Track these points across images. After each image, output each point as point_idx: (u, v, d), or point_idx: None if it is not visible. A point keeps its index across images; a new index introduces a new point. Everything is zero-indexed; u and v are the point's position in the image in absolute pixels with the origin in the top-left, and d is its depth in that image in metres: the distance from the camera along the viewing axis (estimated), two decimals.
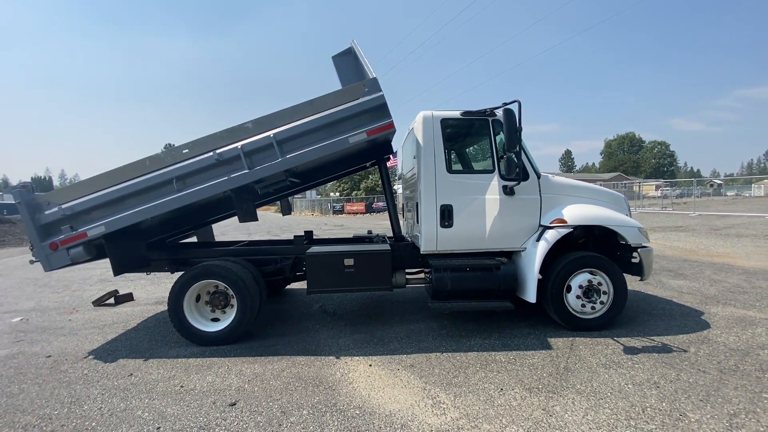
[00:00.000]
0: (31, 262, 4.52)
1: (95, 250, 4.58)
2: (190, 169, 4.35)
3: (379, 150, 5.43)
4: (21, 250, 17.17)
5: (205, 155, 4.33)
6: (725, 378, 3.47)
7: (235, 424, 3.00)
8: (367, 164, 6.31)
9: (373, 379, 3.66)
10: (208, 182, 4.36)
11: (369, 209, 42.77)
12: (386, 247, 4.96)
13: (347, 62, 5.89)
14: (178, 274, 4.82)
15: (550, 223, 4.70)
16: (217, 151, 4.31)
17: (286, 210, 7.46)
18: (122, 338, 5.04)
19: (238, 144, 4.33)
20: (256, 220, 4.95)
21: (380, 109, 4.35)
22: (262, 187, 4.61)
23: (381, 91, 4.33)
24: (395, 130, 4.66)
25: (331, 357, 4.20)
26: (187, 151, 4.38)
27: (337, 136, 4.35)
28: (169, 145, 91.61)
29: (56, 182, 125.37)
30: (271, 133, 4.32)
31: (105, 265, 5.41)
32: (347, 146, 4.37)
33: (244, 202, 4.80)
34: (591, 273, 4.64)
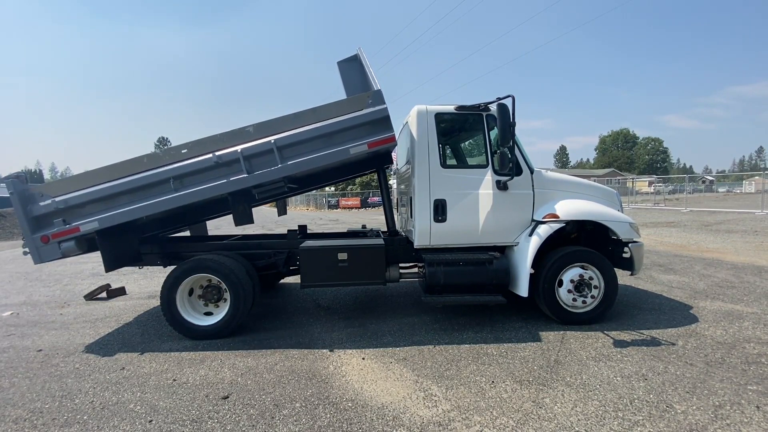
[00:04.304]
0: (25, 253, 4.47)
1: (87, 244, 4.54)
2: (188, 169, 4.30)
3: (379, 160, 5.43)
4: (11, 244, 16.98)
5: (204, 156, 4.29)
6: (712, 370, 3.53)
7: (227, 417, 3.01)
8: (366, 172, 6.30)
9: (365, 372, 3.69)
10: (205, 184, 4.32)
11: (364, 204, 42.73)
12: (380, 241, 4.97)
13: (352, 69, 5.86)
14: (170, 268, 4.80)
15: (543, 218, 4.74)
16: (217, 153, 4.27)
17: (282, 210, 7.43)
18: (114, 332, 5.02)
19: (238, 147, 4.29)
20: (252, 222, 4.95)
21: (383, 122, 4.32)
22: (260, 192, 4.58)
23: (385, 103, 4.30)
24: (396, 144, 4.66)
25: (324, 350, 4.21)
26: (186, 151, 4.34)
27: (338, 146, 4.33)
28: (163, 138, 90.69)
29: (47, 175, 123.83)
30: (272, 138, 4.28)
31: (97, 259, 5.37)
32: (347, 156, 4.35)
33: (240, 205, 4.78)
34: (582, 267, 4.69)
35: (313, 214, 34.84)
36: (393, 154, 5.74)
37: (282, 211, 7.42)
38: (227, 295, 4.61)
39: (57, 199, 4.29)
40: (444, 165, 4.87)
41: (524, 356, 3.92)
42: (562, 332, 4.50)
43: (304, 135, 4.31)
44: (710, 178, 69.22)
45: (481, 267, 4.67)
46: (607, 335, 4.38)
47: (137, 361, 4.08)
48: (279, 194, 4.98)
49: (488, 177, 4.81)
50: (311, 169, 4.51)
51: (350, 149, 4.31)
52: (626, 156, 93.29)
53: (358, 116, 4.30)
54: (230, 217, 5.23)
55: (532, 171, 4.88)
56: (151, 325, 5.22)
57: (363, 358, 3.99)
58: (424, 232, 4.82)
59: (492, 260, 4.69)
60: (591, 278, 4.68)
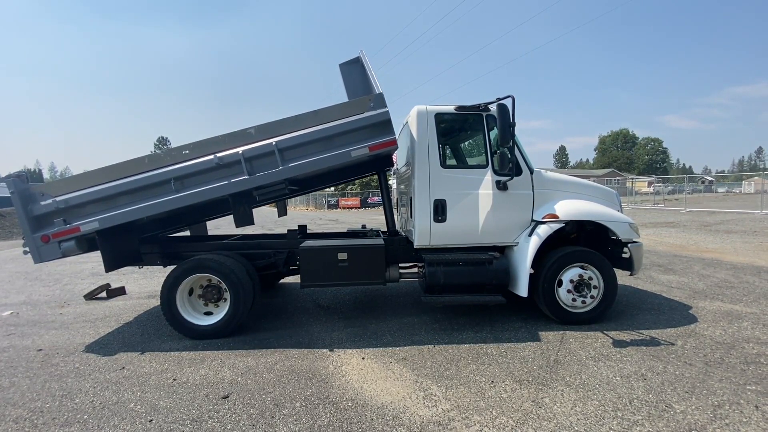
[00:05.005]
0: (25, 252, 4.48)
1: (87, 244, 4.54)
2: (190, 170, 4.31)
3: (380, 162, 5.43)
4: (10, 244, 16.97)
5: (206, 158, 4.30)
6: (711, 370, 3.54)
7: (227, 416, 3.01)
8: (367, 174, 6.31)
9: (365, 372, 3.69)
10: (206, 185, 4.33)
11: (364, 204, 42.76)
12: (380, 241, 4.98)
13: (354, 71, 5.87)
14: (170, 268, 4.80)
15: (543, 219, 4.75)
16: (218, 155, 4.27)
17: (282, 211, 7.44)
18: (114, 332, 5.02)
19: (240, 149, 4.29)
20: (252, 224, 4.96)
21: (384, 125, 4.33)
22: (261, 193, 4.59)
23: (386, 107, 4.31)
24: (398, 147, 4.66)
25: (324, 350, 4.22)
26: (187, 152, 4.34)
27: (339, 149, 4.34)
28: (162, 138, 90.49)
29: (46, 175, 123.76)
30: (273, 140, 4.29)
31: (96, 258, 5.37)
32: (348, 159, 4.36)
33: (241, 206, 4.79)
34: (582, 268, 4.69)
35: (313, 214, 34.85)
36: (393, 156, 5.75)
37: (282, 212, 7.42)
38: (227, 295, 4.62)
39: (58, 198, 4.29)
40: (444, 165, 4.88)
41: (524, 356, 3.93)
42: (561, 332, 4.51)
43: (305, 137, 4.31)
44: (710, 178, 69.37)
45: (480, 267, 4.67)
46: (607, 335, 4.39)
47: (137, 360, 4.08)
48: (280, 196, 5.00)
49: (488, 177, 4.82)
50: (312, 171, 4.51)
51: (351, 152, 4.32)
52: (626, 156, 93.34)
53: (359, 119, 4.31)
54: (230, 216, 5.24)
55: (531, 171, 4.89)
56: (151, 325, 5.22)
57: (363, 358, 4.00)
58: (424, 232, 4.82)
59: (492, 260, 4.70)
60: (590, 278, 4.69)
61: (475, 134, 5.33)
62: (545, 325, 4.73)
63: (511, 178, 4.71)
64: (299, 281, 4.83)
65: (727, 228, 13.56)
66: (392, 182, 8.20)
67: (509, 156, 4.55)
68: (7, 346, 4.64)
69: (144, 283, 7.85)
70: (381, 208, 5.89)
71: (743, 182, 59.29)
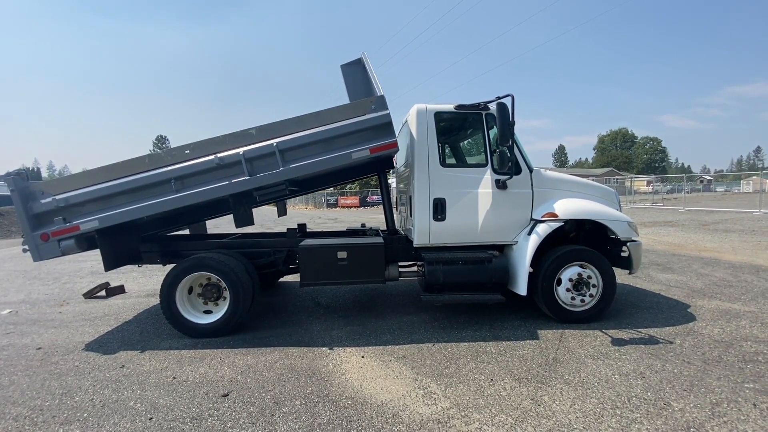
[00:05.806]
0: (24, 250, 4.47)
1: (86, 242, 4.54)
2: (190, 170, 4.30)
3: (381, 164, 5.42)
4: (9, 242, 16.95)
5: (206, 158, 4.29)
6: (709, 368, 3.55)
7: (227, 414, 3.02)
8: (367, 175, 6.31)
9: (365, 370, 3.70)
10: (207, 185, 4.32)
11: (363, 203, 42.75)
12: (379, 240, 4.98)
13: (355, 72, 5.87)
14: (170, 267, 4.80)
15: (542, 217, 4.75)
16: (219, 155, 4.27)
17: (282, 211, 7.45)
18: (114, 330, 5.02)
19: (240, 150, 4.29)
20: (252, 224, 4.96)
21: (385, 128, 4.33)
22: (261, 194, 4.59)
23: (387, 109, 4.31)
24: (398, 149, 4.68)
25: (323, 348, 4.23)
26: (188, 152, 4.34)
27: (340, 150, 4.33)
28: (161, 137, 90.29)
29: (44, 173, 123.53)
30: (274, 141, 4.29)
31: (96, 257, 5.38)
32: (349, 161, 4.36)
33: (241, 206, 4.79)
34: (581, 266, 4.70)
35: (312, 213, 34.83)
36: (394, 158, 5.76)
37: (282, 212, 7.43)
38: (227, 294, 4.62)
39: (58, 197, 4.28)
40: (443, 164, 4.88)
41: (523, 354, 3.94)
42: (560, 331, 4.52)
43: (306, 139, 4.31)
44: (708, 177, 69.44)
45: (480, 266, 4.68)
46: (606, 334, 4.40)
47: (137, 359, 4.08)
48: (280, 196, 5.00)
49: (487, 176, 4.82)
50: (313, 173, 4.52)
51: (352, 154, 4.31)
52: (625, 155, 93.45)
53: (360, 121, 4.30)
54: (230, 216, 5.24)
55: (531, 170, 4.89)
56: (151, 324, 5.22)
57: (362, 356, 4.01)
58: (424, 231, 4.83)
59: (491, 259, 4.71)
60: (589, 277, 4.70)
61: (475, 133, 5.34)
62: (544, 324, 4.75)
63: (511, 177, 4.72)
64: (299, 280, 4.83)
65: (725, 227, 13.60)
66: (392, 181, 8.20)
67: (509, 155, 4.55)
68: (7, 344, 4.64)
69: (143, 282, 7.85)
70: (380, 207, 5.89)
71: (742, 182, 59.42)
